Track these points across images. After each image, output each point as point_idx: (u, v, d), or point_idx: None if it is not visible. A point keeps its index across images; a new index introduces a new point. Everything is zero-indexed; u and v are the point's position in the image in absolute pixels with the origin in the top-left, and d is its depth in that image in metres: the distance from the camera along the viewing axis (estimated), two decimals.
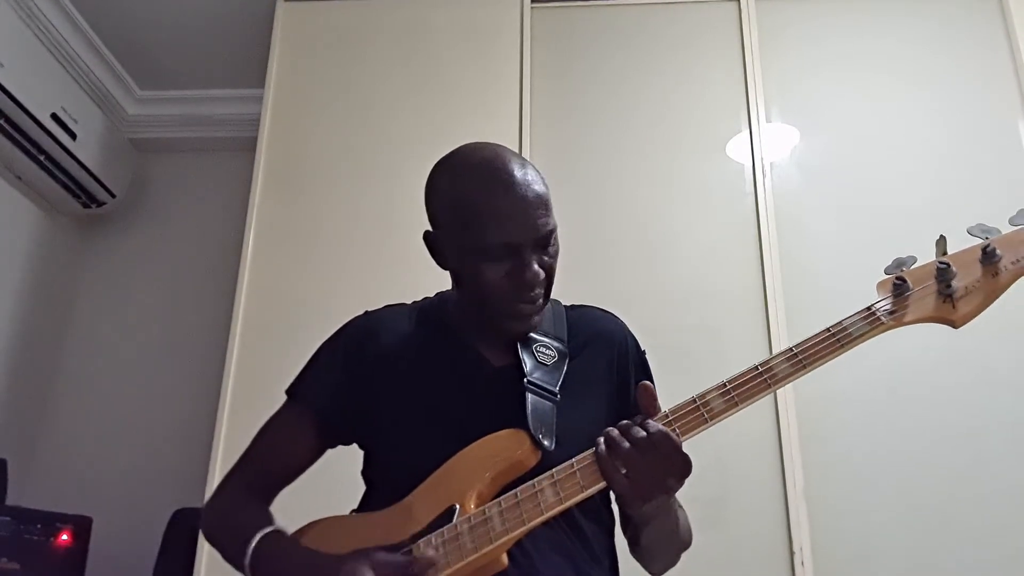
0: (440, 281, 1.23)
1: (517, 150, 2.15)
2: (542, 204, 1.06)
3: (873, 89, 2.47)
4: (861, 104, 2.46)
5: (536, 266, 1.06)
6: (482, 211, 1.05)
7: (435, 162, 1.16)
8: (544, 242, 1.07)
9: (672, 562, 1.18)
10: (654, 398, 1.01)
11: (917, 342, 2.03)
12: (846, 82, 2.49)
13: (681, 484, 0.99)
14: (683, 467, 0.97)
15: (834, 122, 2.46)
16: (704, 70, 2.55)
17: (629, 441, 0.97)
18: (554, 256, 1.10)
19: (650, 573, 1.20)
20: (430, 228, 1.15)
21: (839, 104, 2.48)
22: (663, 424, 0.98)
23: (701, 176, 2.42)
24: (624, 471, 0.97)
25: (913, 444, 2.09)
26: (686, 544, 1.17)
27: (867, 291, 1.07)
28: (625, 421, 0.99)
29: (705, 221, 2.37)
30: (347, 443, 1.21)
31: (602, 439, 0.99)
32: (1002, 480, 2.04)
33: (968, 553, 1.99)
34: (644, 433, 0.96)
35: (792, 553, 2.01)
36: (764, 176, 2.39)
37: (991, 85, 2.43)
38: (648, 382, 1.03)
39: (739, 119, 2.47)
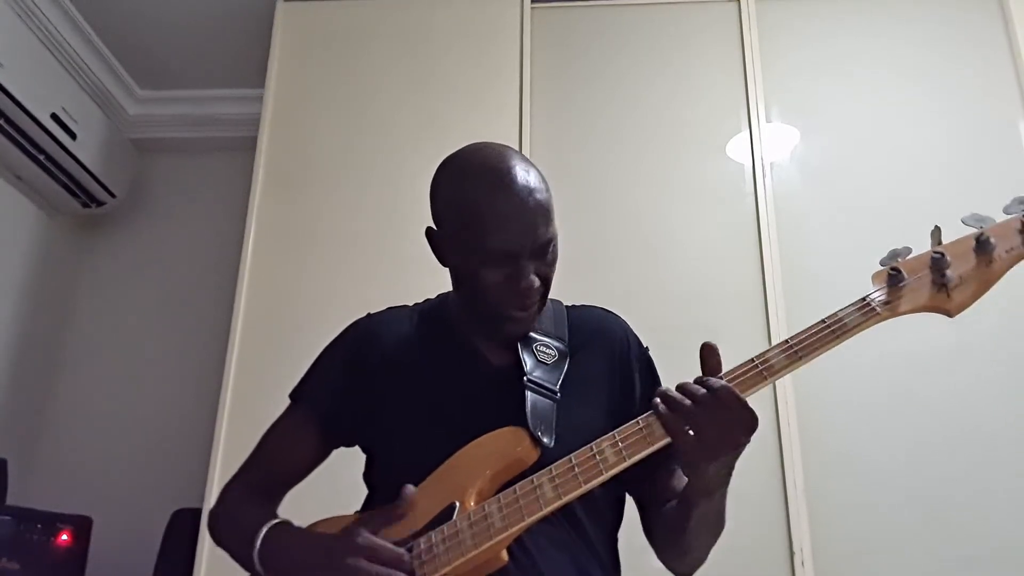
0: (440, 282, 1.23)
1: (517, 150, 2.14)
2: (542, 212, 1.06)
3: (873, 89, 2.47)
4: (861, 104, 2.46)
5: (532, 275, 1.06)
6: (482, 217, 1.04)
7: (440, 160, 1.15)
8: (542, 251, 1.07)
9: (704, 555, 1.14)
10: (718, 356, 0.99)
11: (918, 340, 2.05)
12: (846, 82, 2.49)
13: (749, 439, 0.96)
14: (751, 420, 0.95)
15: (834, 122, 2.46)
16: (704, 70, 2.55)
17: (691, 399, 0.95)
18: (551, 264, 1.10)
19: (677, 573, 1.17)
20: (432, 225, 1.15)
21: (839, 104, 2.47)
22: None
23: (701, 176, 2.42)
24: (690, 430, 0.95)
25: (914, 443, 2.09)
26: (721, 530, 1.13)
27: (867, 290, 1.08)
28: (683, 381, 0.98)
29: (705, 221, 2.37)
30: (350, 445, 1.22)
31: (659, 400, 0.97)
32: (1002, 479, 2.04)
33: (968, 552, 1.99)
34: (705, 390, 0.95)
35: (792, 553, 2.01)
36: (764, 176, 2.39)
37: (991, 85, 2.43)
38: (653, 379, 1.01)
39: (739, 119, 2.47)
